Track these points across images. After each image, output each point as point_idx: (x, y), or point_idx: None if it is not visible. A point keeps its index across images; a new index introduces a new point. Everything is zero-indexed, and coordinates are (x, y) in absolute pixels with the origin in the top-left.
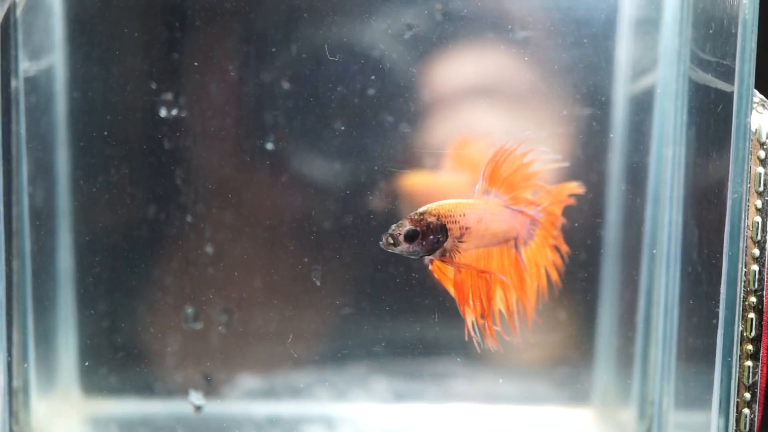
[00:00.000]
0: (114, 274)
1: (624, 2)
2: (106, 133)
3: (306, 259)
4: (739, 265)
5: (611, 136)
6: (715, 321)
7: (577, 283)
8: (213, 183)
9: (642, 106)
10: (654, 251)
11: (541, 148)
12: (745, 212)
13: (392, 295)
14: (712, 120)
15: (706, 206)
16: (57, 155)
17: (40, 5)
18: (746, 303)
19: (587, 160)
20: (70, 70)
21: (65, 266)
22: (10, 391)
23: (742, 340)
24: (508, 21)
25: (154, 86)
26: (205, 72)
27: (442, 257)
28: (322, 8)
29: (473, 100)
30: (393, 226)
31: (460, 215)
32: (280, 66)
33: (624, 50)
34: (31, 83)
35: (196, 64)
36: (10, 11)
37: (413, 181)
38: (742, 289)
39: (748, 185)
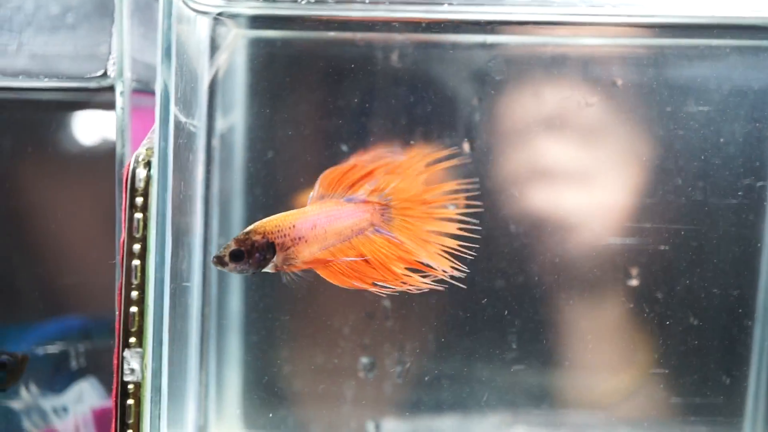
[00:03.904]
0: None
1: None
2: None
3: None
4: None
5: None
6: None
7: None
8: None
9: None
10: None
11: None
12: None
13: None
14: None
15: None
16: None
17: (232, 66)
18: None
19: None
20: (248, 126)
21: (235, 310)
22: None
23: None
24: (684, 95)
25: (343, 148)
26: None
27: (287, 265)
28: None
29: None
30: (221, 248)
31: (289, 227)
32: (460, 129)
33: None
34: (221, 140)
35: (375, 128)
36: (216, 75)
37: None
38: None
39: None
